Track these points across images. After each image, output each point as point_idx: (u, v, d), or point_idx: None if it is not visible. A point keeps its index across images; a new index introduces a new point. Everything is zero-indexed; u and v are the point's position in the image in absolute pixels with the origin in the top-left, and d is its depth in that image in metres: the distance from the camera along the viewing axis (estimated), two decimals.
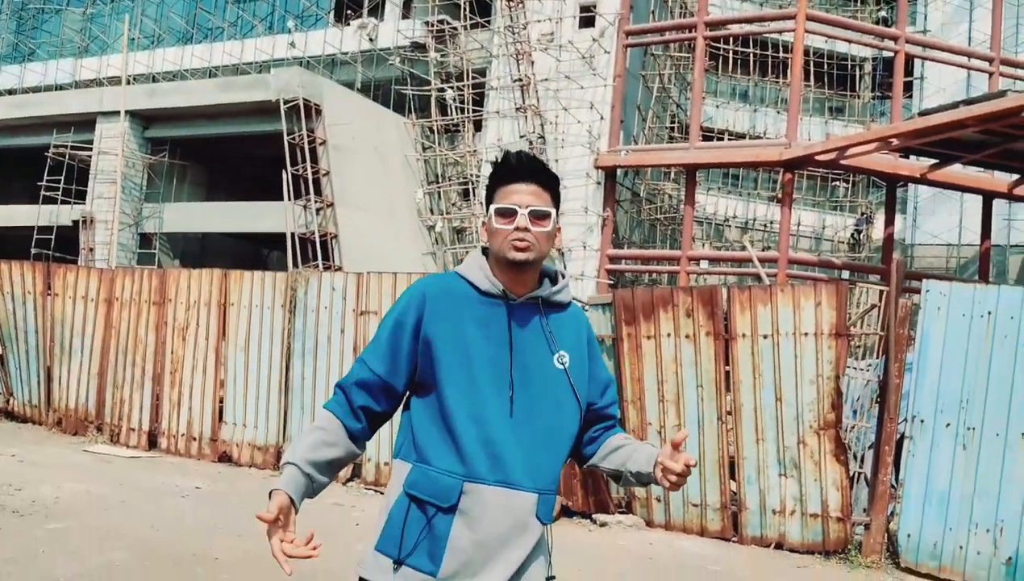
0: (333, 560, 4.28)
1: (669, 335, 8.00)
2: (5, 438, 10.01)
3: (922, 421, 7.09)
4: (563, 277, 2.24)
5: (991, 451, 6.79)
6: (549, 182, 2.14)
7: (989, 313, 6.86)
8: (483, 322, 2.08)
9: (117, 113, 22.64)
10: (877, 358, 8.10)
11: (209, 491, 8.12)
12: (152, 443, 10.28)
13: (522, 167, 2.12)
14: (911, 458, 7.13)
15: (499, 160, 2.17)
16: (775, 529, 7.60)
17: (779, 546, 7.55)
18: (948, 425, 6.98)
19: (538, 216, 2.08)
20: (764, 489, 7.63)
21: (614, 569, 6.48)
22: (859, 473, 8.00)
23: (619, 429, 2.31)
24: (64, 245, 23.29)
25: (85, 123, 23.53)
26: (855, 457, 7.90)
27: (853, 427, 7.93)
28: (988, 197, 19.71)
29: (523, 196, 2.08)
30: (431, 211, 22.64)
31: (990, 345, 6.84)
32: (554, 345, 2.12)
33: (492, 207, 2.12)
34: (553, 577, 2.13)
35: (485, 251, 2.19)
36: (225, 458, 9.80)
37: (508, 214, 2.08)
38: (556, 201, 2.16)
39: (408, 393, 2.13)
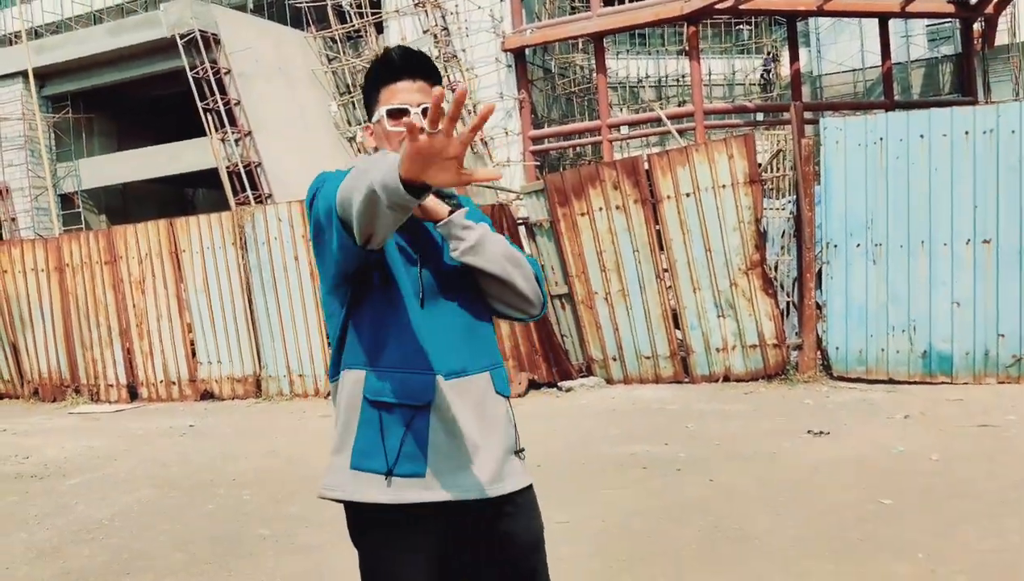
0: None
1: (601, 209, 8.61)
2: None
3: (835, 246, 7.88)
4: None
5: (897, 261, 7.63)
6: (435, 76, 2.00)
7: (881, 139, 7.57)
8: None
9: (8, 77, 21.93)
10: (791, 196, 8.82)
11: (202, 426, 8.67)
12: (133, 395, 10.73)
13: (407, 63, 1.96)
14: (830, 280, 7.95)
15: (378, 57, 1.98)
16: (721, 365, 8.44)
17: (727, 379, 8.41)
18: (858, 245, 7.78)
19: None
20: (706, 331, 8.43)
21: (583, 424, 7.25)
22: (789, 302, 8.84)
23: None
24: None
25: None
26: (782, 288, 8.71)
27: (778, 262, 8.71)
28: (884, 19, 20.38)
29: (412, 94, 1.94)
30: (348, 122, 22.61)
31: (885, 168, 7.58)
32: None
33: (382, 109, 1.95)
34: (522, 449, 2.02)
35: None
36: (207, 395, 10.31)
37: (400, 115, 1.92)
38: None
39: (345, 291, 1.93)
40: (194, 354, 10.37)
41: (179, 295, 10.30)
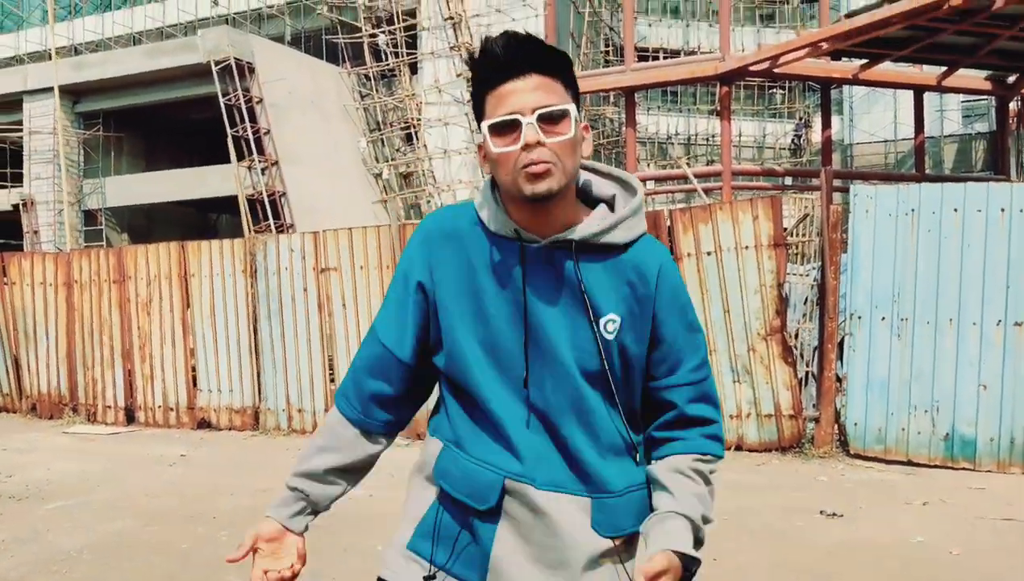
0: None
1: None
2: None
3: (859, 317, 7.58)
4: (629, 199, 1.59)
5: (923, 338, 7.31)
6: (556, 65, 1.49)
7: (913, 210, 7.31)
8: (496, 273, 1.54)
9: (43, 91, 22.17)
10: (816, 262, 8.56)
11: (194, 457, 8.42)
12: (130, 418, 10.51)
13: (512, 56, 1.46)
14: (852, 352, 7.64)
15: (478, 52, 1.50)
16: (734, 433, 8.11)
17: (739, 448, 8.07)
18: (883, 318, 7.48)
19: (550, 119, 1.45)
20: (720, 397, 8.11)
21: None
22: (808, 372, 8.52)
23: (701, 446, 1.60)
24: (7, 230, 22.99)
25: (11, 104, 23.02)
26: (802, 357, 8.41)
27: (798, 329, 8.42)
28: (919, 91, 20.21)
29: (523, 96, 1.45)
30: (376, 159, 22.65)
31: (915, 240, 7.31)
32: (599, 305, 1.52)
33: (484, 124, 1.48)
34: None
35: (493, 183, 1.59)
36: (204, 424, 10.08)
37: (508, 129, 1.45)
38: (573, 89, 1.53)
39: (435, 362, 1.63)
40: (195, 381, 10.16)
41: (184, 320, 10.13)
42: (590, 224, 1.52)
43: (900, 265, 7.39)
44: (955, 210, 7.17)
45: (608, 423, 1.54)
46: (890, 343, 7.46)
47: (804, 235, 8.97)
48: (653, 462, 1.60)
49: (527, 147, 1.43)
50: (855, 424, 7.66)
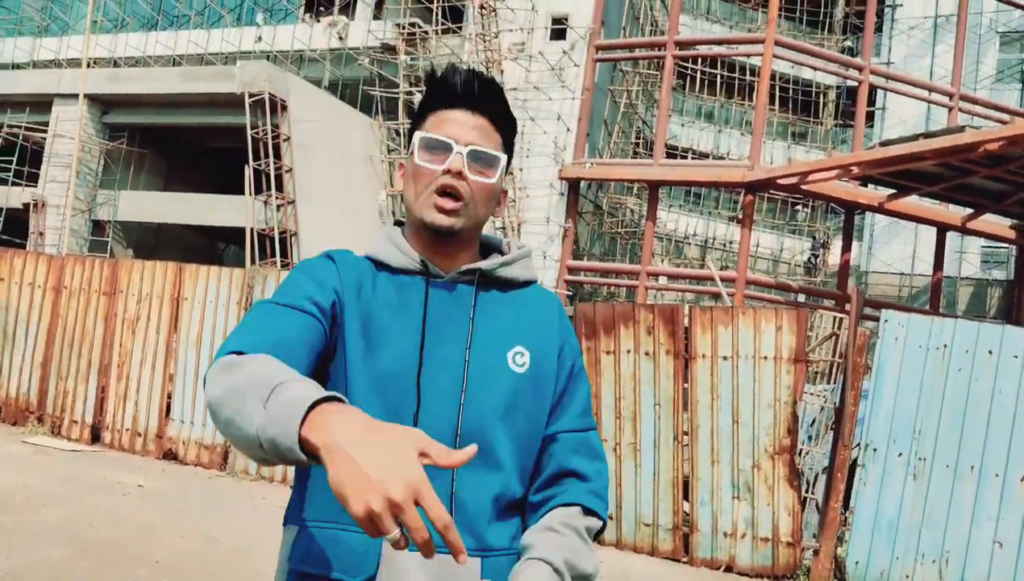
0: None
1: (629, 351, 7.98)
2: None
3: (875, 449, 7.15)
4: (519, 248, 1.58)
5: (941, 482, 6.86)
6: (503, 118, 1.49)
7: (945, 346, 6.94)
8: (395, 307, 1.43)
9: (75, 96, 22.13)
10: (831, 383, 8.15)
11: (152, 489, 7.90)
12: (95, 437, 9.99)
13: (468, 88, 1.45)
14: (862, 486, 7.18)
15: (437, 74, 1.48)
16: (726, 552, 7.59)
17: (729, 569, 7.55)
18: (900, 455, 7.04)
19: (481, 161, 1.43)
20: (717, 511, 7.63)
21: None
22: (810, 498, 8.04)
23: (587, 500, 1.46)
24: (14, 228, 22.71)
25: (41, 104, 22.97)
26: (806, 482, 7.94)
27: (806, 452, 7.97)
28: (942, 229, 20.09)
29: (464, 129, 1.43)
30: (393, 214, 22.46)
31: (944, 377, 6.91)
32: (502, 341, 1.45)
33: (419, 135, 1.45)
34: None
35: (399, 224, 1.56)
36: (170, 455, 9.56)
37: (439, 149, 1.42)
38: (508, 149, 1.52)
39: None
40: (168, 409, 9.67)
41: (169, 343, 9.69)
42: (492, 261, 1.50)
43: (925, 401, 6.99)
44: (990, 352, 6.79)
45: (505, 469, 1.41)
46: (904, 482, 7.01)
47: (829, 354, 8.59)
48: (528, 522, 1.45)
49: (449, 172, 1.41)
50: (856, 563, 7.15)
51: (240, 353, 1.26)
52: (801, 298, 21.86)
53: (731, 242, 25.69)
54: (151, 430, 9.69)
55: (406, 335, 1.40)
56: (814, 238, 26.53)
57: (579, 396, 1.56)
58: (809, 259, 26.37)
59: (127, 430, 9.81)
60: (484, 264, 1.48)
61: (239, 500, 7.95)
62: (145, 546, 5.76)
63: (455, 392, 1.39)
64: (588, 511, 1.45)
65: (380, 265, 1.47)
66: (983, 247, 23.53)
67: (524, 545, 1.40)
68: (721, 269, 24.63)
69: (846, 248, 20.77)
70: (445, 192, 1.41)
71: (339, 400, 1.09)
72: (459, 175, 1.41)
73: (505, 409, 1.42)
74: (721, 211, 27.29)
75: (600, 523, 1.47)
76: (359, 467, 0.97)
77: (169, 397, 9.68)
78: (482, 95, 1.45)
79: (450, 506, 1.35)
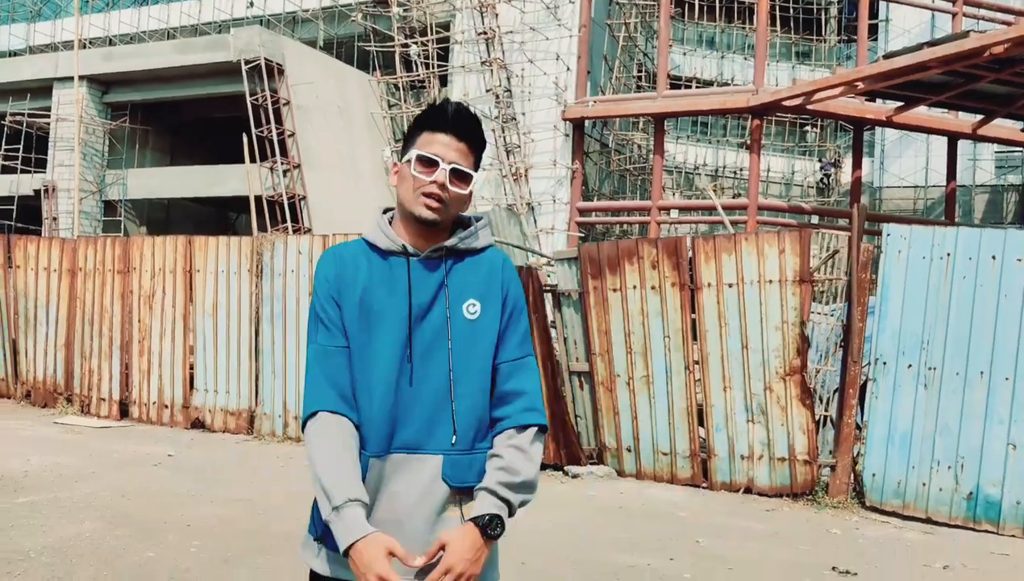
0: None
1: (635, 287, 8.03)
2: None
3: (884, 363, 7.20)
4: (478, 220, 2.07)
5: (951, 390, 6.92)
6: (478, 144, 1.99)
7: (948, 254, 6.94)
8: (388, 282, 1.95)
9: (73, 79, 22.13)
10: (841, 303, 8.18)
11: (181, 458, 8.11)
12: (123, 412, 10.24)
13: (458, 119, 1.95)
14: (874, 400, 7.24)
15: (433, 104, 1.99)
16: (744, 474, 7.72)
17: (748, 491, 7.68)
18: (910, 366, 7.09)
19: (459, 176, 1.94)
20: (732, 435, 7.74)
21: (586, 520, 6.57)
22: (825, 416, 8.12)
23: (523, 419, 1.96)
24: (28, 215, 22.92)
25: (41, 89, 23.02)
26: (820, 400, 8.02)
27: (818, 371, 8.04)
28: (953, 138, 19.82)
29: (449, 150, 1.93)
30: None
31: (949, 286, 6.93)
32: (460, 296, 1.96)
33: (414, 151, 1.93)
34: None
35: (387, 212, 2.08)
36: (198, 424, 9.79)
37: (429, 164, 1.91)
38: (478, 166, 2.02)
39: None
40: (191, 380, 9.87)
41: (186, 316, 9.86)
42: (453, 237, 2.00)
43: (931, 311, 7.01)
44: (993, 257, 6.79)
45: (466, 392, 1.92)
46: (916, 393, 7.07)
47: (831, 273, 8.59)
48: (491, 445, 1.95)
49: (435, 183, 1.91)
50: (873, 475, 7.26)
51: (316, 412, 1.90)
52: (815, 219, 21.71)
53: (742, 169, 25.45)
54: (177, 401, 9.90)
55: (397, 307, 1.93)
56: (824, 158, 26.24)
57: (517, 331, 2.02)
58: (821, 180, 26.11)
59: (154, 403, 10.03)
60: (448, 242, 1.98)
61: (267, 461, 8.16)
62: (176, 513, 5.96)
63: (441, 341, 1.93)
64: (523, 427, 1.94)
65: (373, 247, 1.98)
66: (996, 153, 23.17)
67: (488, 467, 1.91)
68: (734, 197, 24.49)
69: (857, 165, 20.56)
70: (431, 196, 1.91)
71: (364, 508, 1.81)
72: (443, 187, 1.91)
73: (465, 347, 1.94)
74: (730, 138, 26.98)
75: (536, 427, 1.95)
76: (360, 569, 1.73)
77: (191, 368, 9.87)
78: (465, 125, 1.95)
79: (425, 422, 1.89)
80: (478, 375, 1.95)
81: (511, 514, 1.88)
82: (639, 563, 5.39)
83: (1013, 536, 6.67)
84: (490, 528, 1.82)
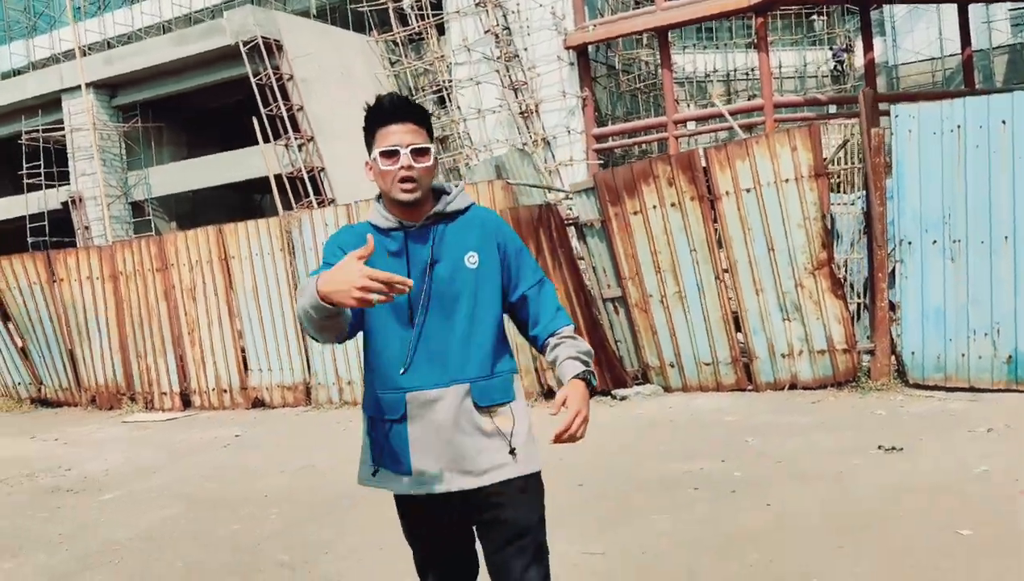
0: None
1: (655, 207, 8.15)
2: (44, 424, 10.41)
3: (910, 243, 7.28)
4: (456, 186, 2.40)
5: (978, 259, 6.99)
6: (423, 119, 2.27)
7: (958, 127, 6.95)
8: (392, 253, 2.29)
9: (79, 88, 22.38)
10: (859, 191, 8.24)
11: (248, 437, 8.49)
12: (186, 403, 10.67)
13: (395, 108, 2.25)
14: (904, 280, 7.35)
15: (371, 105, 2.28)
16: (787, 372, 7.90)
17: (793, 387, 7.87)
18: (935, 242, 7.16)
19: (419, 152, 2.22)
20: (770, 336, 7.90)
21: (636, 436, 6.81)
22: (860, 303, 8.24)
23: (559, 322, 2.40)
24: (60, 228, 23.43)
25: (51, 103, 23.33)
26: (852, 289, 8.12)
27: (846, 261, 8.13)
28: (963, 4, 19.36)
29: (402, 136, 2.21)
30: None
31: (963, 157, 6.96)
32: (459, 250, 2.30)
33: (376, 150, 2.24)
34: (514, 449, 2.28)
35: (380, 197, 2.37)
36: (258, 403, 10.18)
37: (391, 155, 2.21)
38: (431, 136, 2.31)
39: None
40: (245, 362, 10.24)
41: (229, 302, 10.19)
42: (439, 204, 2.33)
43: (948, 185, 7.05)
44: (1003, 122, 6.79)
45: (481, 329, 2.29)
46: (943, 267, 7.15)
47: (847, 163, 8.62)
48: (545, 353, 2.39)
49: (403, 168, 2.22)
50: (912, 353, 7.39)
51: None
52: (833, 109, 21.42)
53: (753, 69, 25.05)
54: (235, 384, 10.29)
55: (402, 269, 2.25)
56: (835, 45, 25.71)
57: (526, 263, 2.41)
58: (835, 67, 25.65)
59: (213, 390, 10.43)
60: (436, 208, 2.31)
61: (327, 427, 8.51)
62: (250, 486, 6.31)
63: (452, 288, 2.29)
64: (560, 330, 2.39)
65: (376, 228, 2.31)
66: (1011, 11, 22.53)
67: (552, 360, 2.36)
68: (749, 99, 24.18)
69: (868, 47, 20.21)
70: (404, 180, 2.22)
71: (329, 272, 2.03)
72: (409, 168, 2.21)
73: (473, 290, 2.30)
74: (737, 41, 26.55)
75: (569, 325, 2.40)
76: (339, 285, 1.92)
77: (243, 350, 10.23)
78: (403, 109, 2.25)
79: (449, 359, 2.27)
80: (490, 311, 2.31)
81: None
82: (692, 468, 5.62)
83: None
84: (591, 378, 2.28)
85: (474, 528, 2.37)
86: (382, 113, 2.25)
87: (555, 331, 2.38)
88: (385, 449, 2.32)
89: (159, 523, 5.49)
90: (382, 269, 2.09)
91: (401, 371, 2.25)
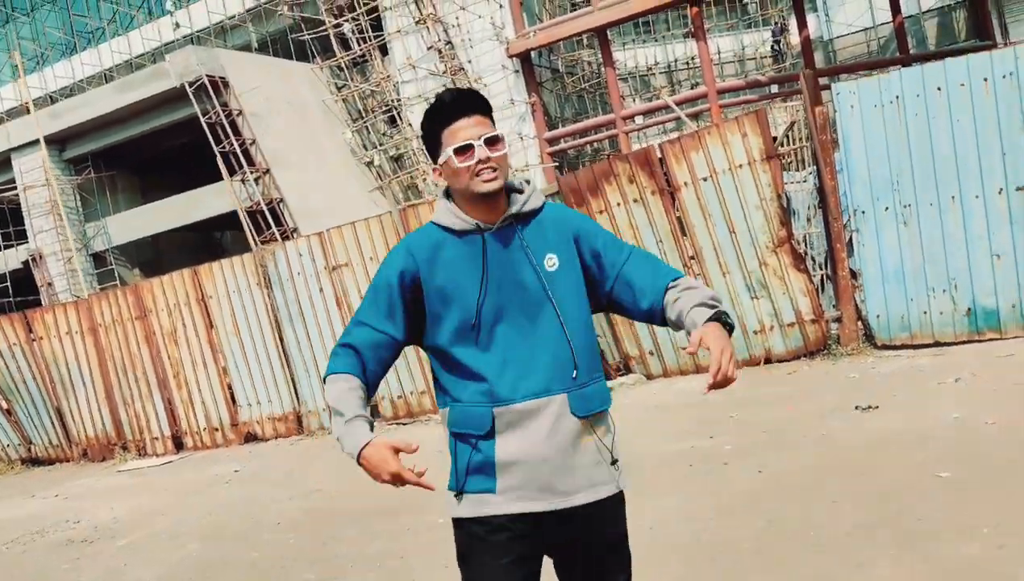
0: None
1: (619, 204, 8.46)
2: (40, 482, 10.46)
3: (863, 212, 7.65)
4: (527, 183, 2.28)
5: (929, 220, 7.38)
6: (487, 107, 2.20)
7: (897, 97, 7.34)
8: (468, 258, 2.17)
9: (29, 145, 22.28)
10: (810, 167, 8.61)
11: (247, 470, 8.65)
12: (178, 445, 10.77)
13: (461, 102, 2.16)
14: (861, 247, 7.72)
15: (433, 104, 2.19)
16: (760, 347, 8.24)
17: (768, 361, 8.21)
18: (886, 209, 7.54)
19: (492, 141, 2.13)
20: (741, 315, 8.23)
21: (626, 424, 7.08)
22: (823, 275, 8.61)
23: (667, 277, 2.23)
24: (23, 287, 23.26)
25: (0, 164, 23.18)
26: (814, 262, 8.49)
27: (805, 236, 8.50)
28: None
29: (472, 129, 2.13)
30: (364, 148, 22.66)
31: (905, 126, 7.34)
32: (539, 253, 2.18)
33: (448, 149, 2.13)
34: (616, 460, 2.20)
35: (448, 195, 2.25)
36: (250, 438, 10.32)
37: (466, 150, 2.11)
38: (494, 124, 2.22)
39: (425, 344, 2.24)
40: (233, 398, 10.38)
41: (211, 341, 10.33)
42: (515, 203, 2.21)
43: (894, 153, 7.44)
44: (939, 89, 7.18)
45: (570, 335, 2.15)
46: (897, 231, 7.53)
47: (796, 142, 9.00)
48: (666, 314, 2.20)
49: (480, 161, 2.12)
50: (877, 316, 7.76)
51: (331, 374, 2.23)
52: (775, 89, 21.96)
53: (693, 58, 25.55)
54: (225, 421, 10.43)
55: (473, 278, 2.15)
56: (775, 24, 26.32)
57: (609, 242, 2.27)
58: (772, 47, 26.24)
59: (204, 429, 10.56)
60: (513, 209, 2.20)
61: (323, 451, 8.69)
62: (262, 516, 6.49)
63: (538, 295, 2.16)
64: (672, 284, 2.22)
65: (446, 229, 2.19)
66: None
67: (680, 312, 2.15)
68: (692, 87, 24.67)
69: (802, 24, 20.74)
70: (484, 170, 2.13)
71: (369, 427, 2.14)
72: (487, 159, 2.13)
73: (561, 294, 2.18)
74: (674, 32, 27.06)
75: (680, 276, 2.24)
76: (372, 467, 2.05)
77: (230, 387, 10.37)
78: (467, 101, 2.17)
79: (539, 369, 2.13)
80: (580, 314, 2.19)
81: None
82: (684, 447, 5.92)
83: (1016, 337, 7.18)
84: (726, 318, 2.14)
85: (550, 551, 2.21)
86: (445, 111, 2.16)
87: (668, 286, 2.20)
88: (470, 467, 2.16)
89: (180, 560, 5.65)
90: (456, 275, 2.16)
91: (485, 384, 2.13)
